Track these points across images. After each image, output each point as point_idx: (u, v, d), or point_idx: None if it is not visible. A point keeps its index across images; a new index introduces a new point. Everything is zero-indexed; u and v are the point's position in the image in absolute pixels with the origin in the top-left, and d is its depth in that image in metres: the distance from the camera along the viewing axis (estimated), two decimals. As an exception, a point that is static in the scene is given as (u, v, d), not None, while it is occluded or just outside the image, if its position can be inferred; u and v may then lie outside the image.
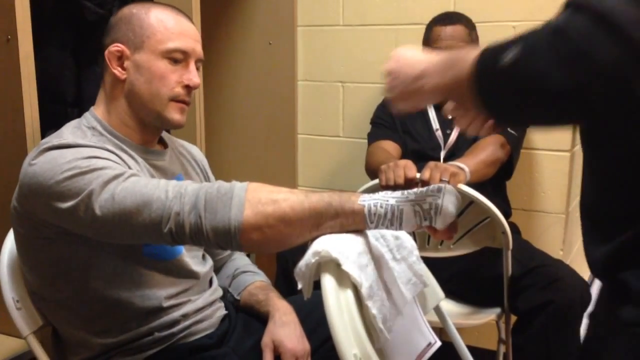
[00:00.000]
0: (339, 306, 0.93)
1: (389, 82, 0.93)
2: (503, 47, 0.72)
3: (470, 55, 0.78)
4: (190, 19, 1.29)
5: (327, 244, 0.96)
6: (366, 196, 1.01)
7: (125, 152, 1.22)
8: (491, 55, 0.74)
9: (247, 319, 1.37)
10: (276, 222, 1.00)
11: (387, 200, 0.99)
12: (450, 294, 1.89)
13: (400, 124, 2.10)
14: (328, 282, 0.94)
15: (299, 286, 0.98)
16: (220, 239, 1.01)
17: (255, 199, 1.00)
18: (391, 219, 0.99)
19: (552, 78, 0.67)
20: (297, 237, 1.02)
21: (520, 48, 0.69)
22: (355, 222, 1.01)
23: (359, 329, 0.93)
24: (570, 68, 0.66)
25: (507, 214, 2.00)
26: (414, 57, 0.90)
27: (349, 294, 0.96)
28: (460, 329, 1.45)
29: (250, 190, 1.01)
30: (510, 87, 0.73)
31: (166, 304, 1.23)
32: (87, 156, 1.09)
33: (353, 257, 0.96)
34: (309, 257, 0.96)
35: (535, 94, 0.70)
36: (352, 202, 1.00)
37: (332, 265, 0.95)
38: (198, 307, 1.28)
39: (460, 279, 1.82)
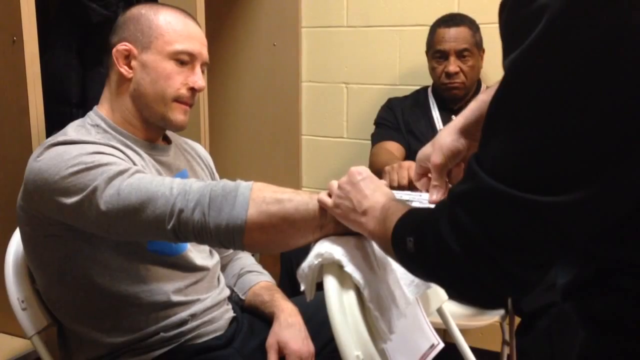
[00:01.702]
0: (341, 308, 0.93)
1: (337, 198, 0.97)
2: (406, 232, 0.78)
3: (393, 219, 0.83)
4: (197, 22, 1.30)
5: (330, 246, 0.96)
6: None
7: (130, 148, 1.22)
8: (400, 237, 0.80)
9: (251, 319, 1.37)
10: (280, 222, 1.00)
11: None
12: (454, 295, 1.89)
13: (404, 125, 2.10)
14: (330, 283, 0.94)
15: (302, 288, 0.98)
16: (223, 237, 1.01)
17: (260, 198, 1.00)
18: None
19: (440, 278, 0.76)
20: (300, 238, 1.02)
21: (414, 242, 0.75)
22: None
23: (361, 331, 0.93)
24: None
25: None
26: (365, 188, 0.94)
27: (352, 295, 0.95)
28: (464, 331, 1.44)
29: (255, 190, 1.02)
30: (418, 271, 0.82)
31: (174, 299, 1.23)
32: (92, 152, 1.09)
33: (356, 259, 0.96)
34: (311, 259, 0.96)
35: (435, 281, 0.81)
36: None
37: (335, 267, 0.95)
38: (207, 306, 1.28)
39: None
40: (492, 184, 0.64)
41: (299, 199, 1.01)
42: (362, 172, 0.97)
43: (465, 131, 0.95)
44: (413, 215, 0.82)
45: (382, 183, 0.98)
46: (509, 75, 0.65)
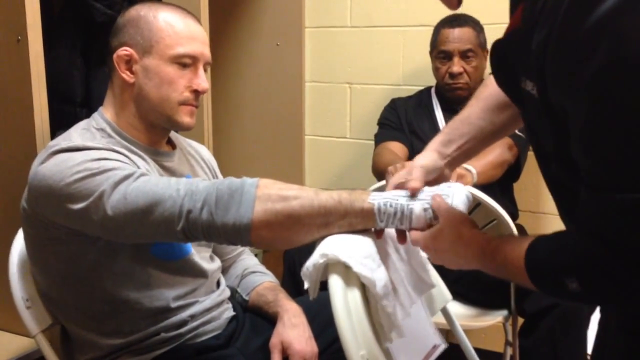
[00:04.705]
0: (346, 307, 0.93)
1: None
2: (561, 274, 0.76)
3: (514, 262, 0.83)
4: (198, 20, 1.28)
5: (335, 247, 0.96)
6: (376, 194, 1.01)
7: (135, 153, 1.22)
8: (553, 279, 0.78)
9: (254, 319, 1.37)
10: (285, 219, 1.00)
11: (397, 199, 1.00)
12: (457, 295, 1.88)
13: (407, 125, 2.10)
14: (335, 283, 0.94)
15: (305, 286, 0.99)
16: (230, 236, 1.02)
17: (265, 196, 1.01)
18: (401, 218, 0.99)
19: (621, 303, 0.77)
20: (306, 234, 1.02)
21: (578, 283, 0.74)
22: (364, 221, 1.02)
23: (366, 330, 0.93)
24: None
25: (514, 215, 2.00)
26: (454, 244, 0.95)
27: (356, 294, 0.96)
28: (467, 331, 1.44)
29: (260, 187, 1.02)
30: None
31: (174, 304, 1.23)
32: (97, 158, 1.09)
33: (363, 260, 0.96)
34: (316, 258, 0.96)
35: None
36: (361, 201, 1.01)
37: (340, 266, 0.95)
38: (205, 307, 1.28)
39: (468, 280, 1.82)
40: (625, 197, 0.66)
41: (304, 196, 1.01)
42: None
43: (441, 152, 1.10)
44: (550, 253, 0.80)
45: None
46: (591, 100, 0.66)
